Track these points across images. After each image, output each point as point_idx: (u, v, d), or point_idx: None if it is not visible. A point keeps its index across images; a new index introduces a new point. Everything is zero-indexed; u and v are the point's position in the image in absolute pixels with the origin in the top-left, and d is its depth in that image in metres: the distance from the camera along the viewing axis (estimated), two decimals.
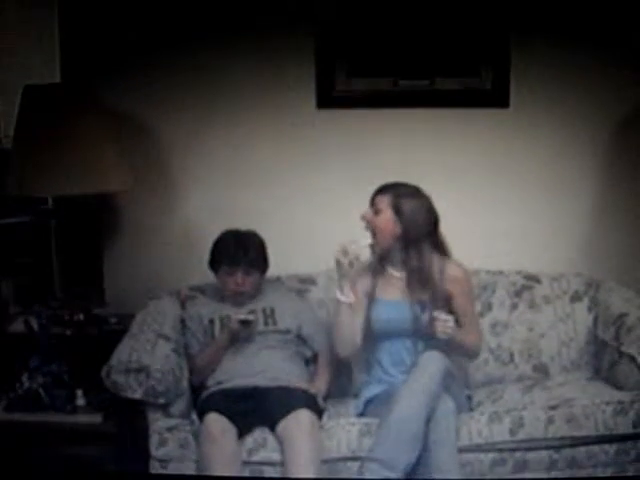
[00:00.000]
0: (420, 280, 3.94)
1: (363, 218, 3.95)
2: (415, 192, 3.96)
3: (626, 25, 4.39)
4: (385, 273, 4.04)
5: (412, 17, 4.43)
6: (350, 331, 3.95)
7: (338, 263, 3.87)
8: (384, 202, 3.93)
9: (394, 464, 3.55)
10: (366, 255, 3.96)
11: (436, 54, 4.46)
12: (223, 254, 4.12)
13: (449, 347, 3.84)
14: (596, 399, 3.81)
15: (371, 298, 4.00)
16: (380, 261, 4.02)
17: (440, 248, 3.99)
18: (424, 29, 4.44)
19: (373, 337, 3.98)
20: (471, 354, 4.08)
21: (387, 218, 3.92)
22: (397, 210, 3.92)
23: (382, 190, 3.95)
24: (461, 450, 3.68)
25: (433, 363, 3.70)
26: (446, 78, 4.48)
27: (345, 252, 3.85)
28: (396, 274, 4.01)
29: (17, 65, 4.45)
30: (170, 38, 4.44)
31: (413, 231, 3.93)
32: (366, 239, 3.93)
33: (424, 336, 3.88)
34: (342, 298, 3.91)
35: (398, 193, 3.93)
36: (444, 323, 3.78)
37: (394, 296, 3.98)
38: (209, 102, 4.53)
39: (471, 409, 3.96)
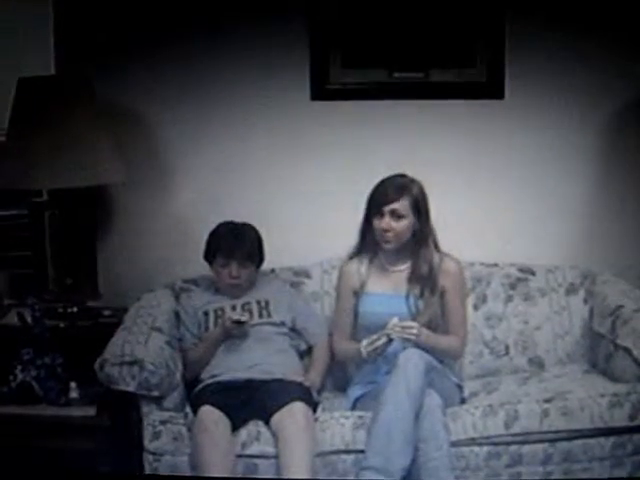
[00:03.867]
0: (422, 273, 3.91)
1: (386, 230, 3.87)
2: (421, 185, 3.92)
3: (622, 15, 4.39)
4: (381, 267, 4.01)
5: (406, 8, 4.41)
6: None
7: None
8: (405, 206, 3.86)
9: (390, 470, 3.52)
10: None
11: (431, 45, 4.45)
12: (218, 246, 4.11)
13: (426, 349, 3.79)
14: (591, 392, 3.80)
15: (361, 292, 3.99)
16: (382, 258, 4.00)
17: (434, 239, 3.97)
18: (418, 20, 4.43)
19: (363, 332, 3.94)
20: (451, 356, 4.01)
21: (409, 222, 3.89)
22: (417, 211, 3.88)
23: (398, 195, 3.86)
24: (456, 444, 3.67)
25: (412, 363, 3.63)
26: (441, 70, 4.46)
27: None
28: (394, 268, 3.99)
29: (11, 58, 4.43)
30: (164, 31, 4.43)
31: (426, 225, 3.92)
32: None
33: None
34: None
35: (414, 194, 3.88)
36: (408, 329, 3.73)
37: (386, 289, 3.97)
38: (204, 95, 4.51)
39: (463, 399, 3.96)
